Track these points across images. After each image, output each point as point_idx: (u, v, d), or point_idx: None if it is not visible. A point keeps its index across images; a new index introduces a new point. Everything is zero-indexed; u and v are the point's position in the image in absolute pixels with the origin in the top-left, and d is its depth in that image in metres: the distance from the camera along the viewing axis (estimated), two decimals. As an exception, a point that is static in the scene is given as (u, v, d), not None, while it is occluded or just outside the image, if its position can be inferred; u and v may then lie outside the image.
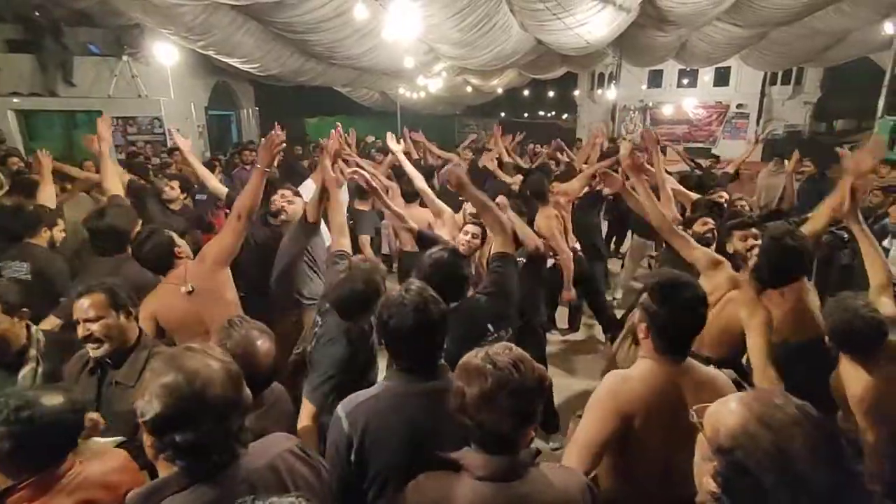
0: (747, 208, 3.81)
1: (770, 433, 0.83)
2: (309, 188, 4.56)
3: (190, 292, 2.33)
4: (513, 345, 1.25)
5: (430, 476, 1.24)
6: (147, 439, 1.09)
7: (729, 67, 14.74)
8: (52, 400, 1.32)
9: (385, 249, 6.58)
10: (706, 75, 15.45)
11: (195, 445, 1.06)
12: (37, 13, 8.31)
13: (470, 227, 3.00)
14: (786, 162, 5.37)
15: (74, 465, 1.35)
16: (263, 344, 1.68)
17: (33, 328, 2.02)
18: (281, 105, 15.77)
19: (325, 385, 1.92)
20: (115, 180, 3.54)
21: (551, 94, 21.61)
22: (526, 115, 24.88)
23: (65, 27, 8.74)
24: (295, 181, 4.09)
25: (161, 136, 9.39)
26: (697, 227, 3.14)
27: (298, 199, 3.16)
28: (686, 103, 15.76)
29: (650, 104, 16.38)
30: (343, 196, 4.61)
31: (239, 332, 1.66)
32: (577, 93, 17.85)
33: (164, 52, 8.07)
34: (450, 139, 16.68)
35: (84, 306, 1.79)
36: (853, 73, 12.22)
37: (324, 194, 2.81)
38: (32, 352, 1.95)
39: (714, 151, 12.32)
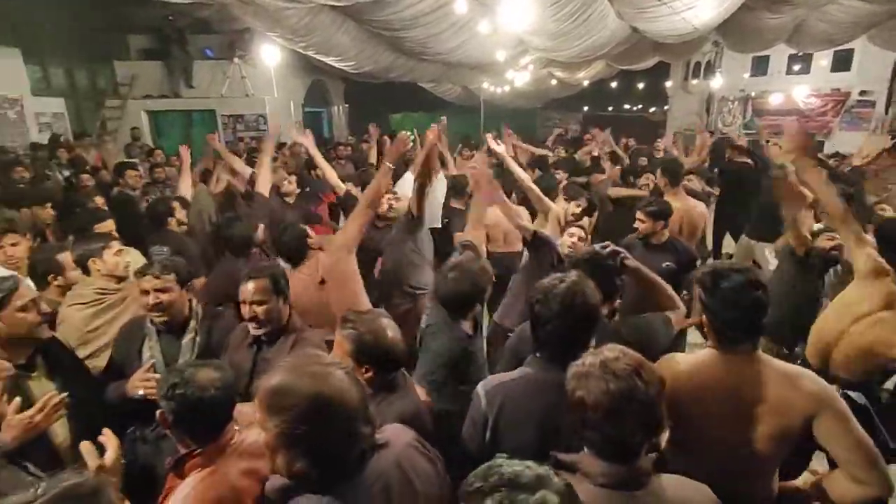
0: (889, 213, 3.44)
1: None
2: (408, 182, 4.74)
3: (321, 282, 2.51)
4: (623, 347, 1.21)
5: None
6: (279, 457, 1.08)
7: (851, 50, 13.11)
8: (205, 379, 1.39)
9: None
10: (823, 59, 13.90)
11: (328, 455, 1.07)
12: (170, 18, 9.26)
13: (575, 230, 2.97)
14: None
15: (235, 434, 1.43)
16: (392, 328, 1.77)
17: (194, 301, 2.27)
18: (368, 101, 16.37)
19: (432, 375, 2.02)
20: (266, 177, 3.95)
21: (640, 85, 20.60)
22: (611, 108, 23.97)
23: (187, 35, 9.71)
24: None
25: (265, 132, 10.13)
26: (823, 242, 2.84)
27: (402, 197, 3.33)
28: (797, 92, 14.36)
29: (752, 94, 15.15)
30: (440, 193, 4.77)
31: (369, 317, 1.75)
32: (668, 84, 16.89)
33: (270, 54, 8.71)
34: (532, 133, 16.49)
35: (250, 290, 1.99)
36: None
37: (424, 189, 2.93)
38: (192, 323, 2.19)
39: (828, 145, 11.19)
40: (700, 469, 1.29)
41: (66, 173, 6.08)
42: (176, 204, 3.73)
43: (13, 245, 2.78)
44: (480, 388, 1.52)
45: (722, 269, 1.51)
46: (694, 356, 1.56)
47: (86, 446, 1.32)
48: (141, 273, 2.10)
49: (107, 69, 10.38)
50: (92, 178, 5.22)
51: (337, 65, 8.75)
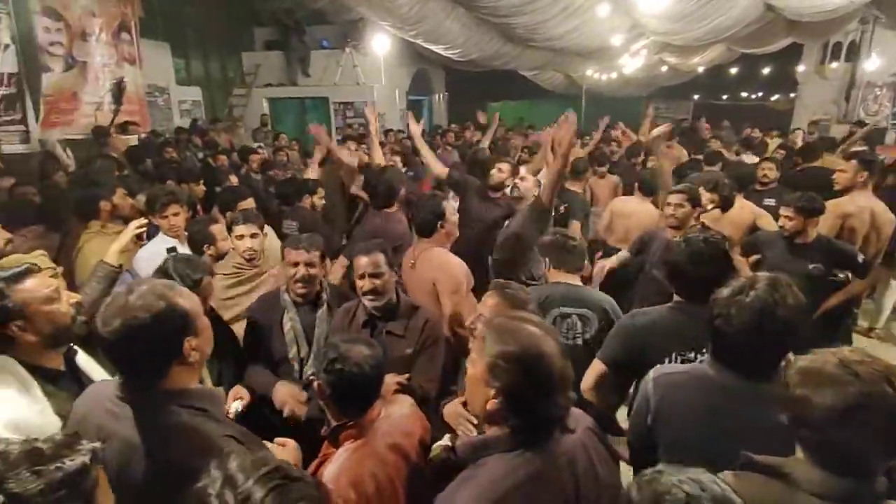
0: None
1: None
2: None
3: (412, 265, 2.59)
4: (867, 353, 1.08)
5: (748, 477, 1.12)
6: (492, 402, 1.12)
7: None
8: (360, 356, 1.43)
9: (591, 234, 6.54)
10: None
11: (532, 411, 1.11)
12: (292, 8, 9.95)
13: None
14: None
15: (381, 410, 1.49)
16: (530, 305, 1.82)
17: (325, 275, 2.43)
18: (468, 90, 16.45)
19: None
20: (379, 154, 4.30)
21: (764, 70, 18.69)
22: (726, 96, 22.02)
23: (305, 26, 10.36)
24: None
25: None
26: None
27: (531, 178, 3.29)
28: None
29: (906, 79, 13.12)
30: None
31: (508, 287, 1.84)
32: (800, 68, 15.13)
33: (380, 43, 9.04)
34: (635, 124, 15.60)
35: (366, 263, 2.06)
36: None
37: (559, 179, 2.87)
38: (325, 296, 2.31)
39: None
40: None
41: (201, 155, 6.79)
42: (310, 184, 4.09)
43: (175, 215, 3.12)
44: (653, 372, 1.48)
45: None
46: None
47: (280, 447, 1.47)
48: (294, 246, 2.21)
49: (235, 60, 11.38)
50: (227, 159, 5.80)
51: (443, 52, 8.89)
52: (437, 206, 2.63)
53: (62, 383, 1.51)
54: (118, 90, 4.24)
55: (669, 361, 1.77)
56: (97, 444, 0.82)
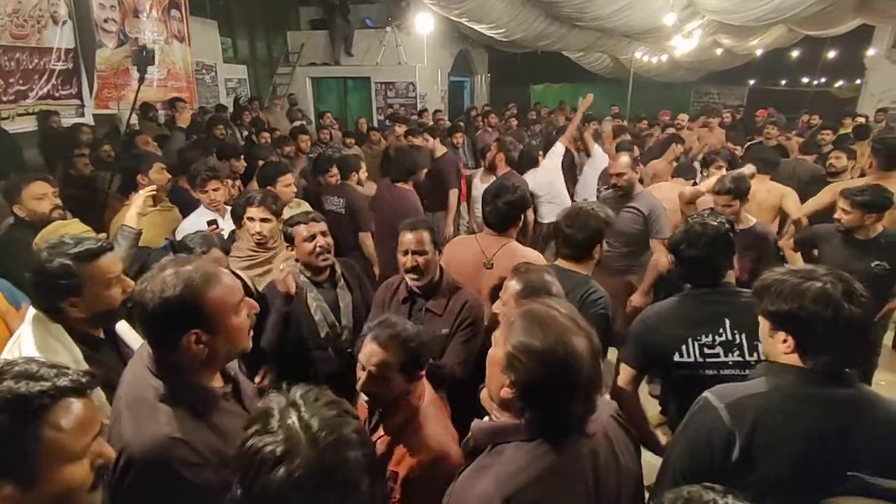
0: None
1: None
2: (558, 152, 4.60)
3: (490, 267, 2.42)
4: None
5: None
6: (506, 391, 1.08)
7: None
8: (411, 331, 1.55)
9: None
10: None
11: (554, 411, 1.06)
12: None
13: None
14: None
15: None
16: (554, 286, 1.76)
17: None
18: (510, 72, 16.15)
19: None
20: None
21: (830, 55, 17.47)
22: (784, 81, 20.77)
23: (350, 5, 10.33)
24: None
25: (413, 100, 10.53)
26: None
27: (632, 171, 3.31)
28: None
29: None
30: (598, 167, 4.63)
31: (530, 269, 1.82)
32: (870, 52, 14.11)
33: (423, 22, 8.92)
34: (683, 110, 14.90)
35: (411, 240, 2.04)
36: None
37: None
38: (339, 271, 2.33)
39: None
40: None
41: (244, 132, 6.92)
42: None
43: (215, 190, 3.20)
44: (716, 399, 1.30)
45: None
46: None
47: None
48: (304, 220, 2.21)
49: (280, 39, 11.49)
50: (271, 136, 5.90)
51: (487, 32, 8.70)
52: (522, 199, 2.44)
53: (103, 350, 1.55)
54: (143, 59, 3.97)
55: (686, 348, 1.77)
56: (83, 379, 0.84)
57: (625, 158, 3.32)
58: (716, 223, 1.85)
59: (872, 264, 2.59)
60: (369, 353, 1.48)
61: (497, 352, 1.11)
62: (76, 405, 0.82)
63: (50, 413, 0.78)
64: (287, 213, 2.78)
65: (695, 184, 3.81)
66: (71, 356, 1.44)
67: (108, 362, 1.49)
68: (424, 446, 1.44)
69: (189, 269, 1.18)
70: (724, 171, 3.46)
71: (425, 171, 4.20)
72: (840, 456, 1.17)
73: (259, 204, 2.56)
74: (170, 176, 3.46)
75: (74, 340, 1.47)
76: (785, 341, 1.29)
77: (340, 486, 0.85)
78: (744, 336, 1.74)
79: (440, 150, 4.96)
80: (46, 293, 1.46)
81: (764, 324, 1.36)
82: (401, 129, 6.04)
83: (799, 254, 3.18)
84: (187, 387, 1.20)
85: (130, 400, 1.17)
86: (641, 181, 3.65)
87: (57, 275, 1.43)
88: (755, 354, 1.70)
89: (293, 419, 0.87)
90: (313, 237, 2.16)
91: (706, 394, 1.33)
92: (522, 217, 2.48)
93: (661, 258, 3.14)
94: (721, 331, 1.77)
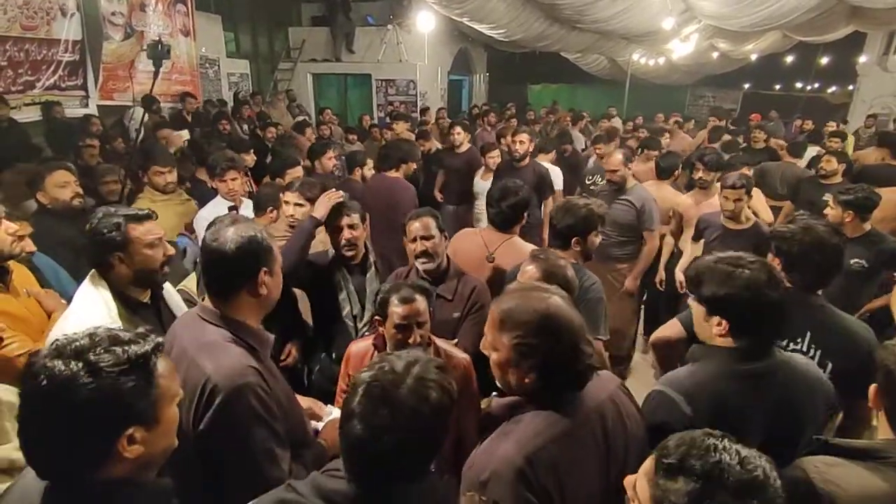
0: None
1: None
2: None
3: (492, 261, 2.56)
4: None
5: (840, 464, 1.13)
6: (512, 373, 1.21)
7: None
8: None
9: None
10: None
11: (555, 367, 1.17)
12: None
13: None
14: None
15: None
16: (568, 270, 1.89)
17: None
18: (509, 71, 16.28)
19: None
20: None
21: (823, 61, 17.73)
22: (778, 86, 21.04)
23: (351, 2, 10.42)
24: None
25: (413, 98, 10.64)
26: None
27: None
28: None
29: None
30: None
31: (547, 256, 1.92)
32: (862, 59, 14.35)
33: (424, 20, 9.02)
34: (679, 112, 15.05)
35: (418, 226, 2.18)
36: None
37: None
38: (371, 257, 2.43)
39: None
40: None
41: (244, 126, 7.00)
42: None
43: (233, 180, 3.29)
44: (668, 389, 1.38)
45: None
46: None
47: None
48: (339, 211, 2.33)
49: (282, 35, 11.58)
50: (276, 130, 5.99)
51: (488, 32, 8.81)
52: (525, 200, 2.57)
53: (142, 313, 1.74)
54: (157, 52, 4.02)
55: None
56: (160, 339, 0.99)
57: (618, 156, 3.52)
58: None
59: (851, 261, 2.72)
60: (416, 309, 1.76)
61: (499, 356, 1.23)
62: (163, 355, 0.98)
63: (158, 365, 0.95)
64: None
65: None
66: (108, 311, 1.61)
67: (145, 324, 1.65)
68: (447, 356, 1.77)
69: (249, 223, 1.47)
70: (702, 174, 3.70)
71: (414, 165, 4.33)
72: (774, 420, 1.31)
73: (297, 189, 2.77)
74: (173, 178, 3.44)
75: (116, 300, 1.66)
76: (719, 324, 1.40)
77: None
78: (819, 354, 1.74)
79: (466, 144, 5.06)
80: (98, 247, 1.66)
81: (698, 309, 1.47)
82: (400, 127, 6.13)
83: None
84: (248, 331, 1.37)
85: (200, 345, 1.31)
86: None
87: (109, 228, 1.64)
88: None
89: (398, 365, 1.03)
90: (340, 230, 2.26)
91: (660, 386, 1.42)
92: (526, 215, 2.63)
93: (651, 247, 3.49)
94: (799, 340, 1.77)
